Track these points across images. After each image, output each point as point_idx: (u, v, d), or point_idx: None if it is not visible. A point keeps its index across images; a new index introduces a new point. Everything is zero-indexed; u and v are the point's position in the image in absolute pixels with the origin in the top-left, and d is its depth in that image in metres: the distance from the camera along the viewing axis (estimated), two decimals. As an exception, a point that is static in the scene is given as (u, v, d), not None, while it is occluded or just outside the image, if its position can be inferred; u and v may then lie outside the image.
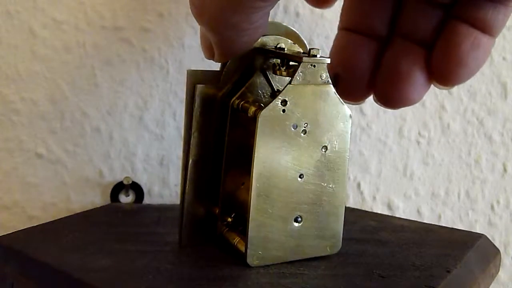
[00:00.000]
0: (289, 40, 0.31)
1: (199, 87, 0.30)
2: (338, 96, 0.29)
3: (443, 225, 0.44)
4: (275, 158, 0.28)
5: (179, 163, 0.42)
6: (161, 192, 0.43)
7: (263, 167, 0.28)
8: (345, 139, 0.30)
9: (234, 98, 0.30)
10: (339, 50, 0.30)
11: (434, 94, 0.46)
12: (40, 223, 0.35)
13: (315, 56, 0.28)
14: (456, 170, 0.47)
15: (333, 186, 0.30)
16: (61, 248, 0.31)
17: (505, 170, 0.47)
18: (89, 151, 0.42)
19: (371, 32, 0.28)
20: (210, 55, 0.28)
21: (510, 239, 0.48)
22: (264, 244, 0.29)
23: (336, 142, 0.30)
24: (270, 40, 0.31)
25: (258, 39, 0.27)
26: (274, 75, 0.31)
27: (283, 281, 0.28)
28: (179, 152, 0.42)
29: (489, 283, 0.33)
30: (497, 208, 0.48)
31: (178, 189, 0.42)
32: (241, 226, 0.30)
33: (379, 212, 0.45)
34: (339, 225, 0.31)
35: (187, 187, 0.31)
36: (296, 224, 0.29)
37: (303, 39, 0.32)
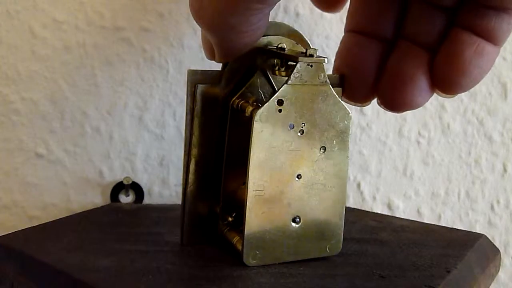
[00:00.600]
0: (293, 41, 0.31)
1: (200, 87, 0.30)
2: (338, 96, 0.29)
3: (443, 225, 0.44)
4: (271, 158, 0.28)
5: (179, 163, 0.42)
6: (161, 192, 0.43)
7: (259, 166, 0.28)
8: (345, 140, 0.30)
9: (234, 98, 0.30)
10: (345, 52, 0.30)
11: (434, 94, 0.46)
12: (40, 223, 0.35)
13: (312, 56, 0.28)
14: (456, 170, 0.47)
15: (333, 187, 0.30)
16: (61, 248, 0.31)
17: (505, 170, 0.47)
18: (89, 151, 0.42)
19: (377, 34, 0.28)
20: (211, 56, 0.28)
21: (510, 239, 0.48)
22: (261, 244, 0.29)
23: (336, 142, 0.30)
24: (274, 41, 0.31)
25: (258, 39, 0.27)
26: (275, 75, 0.31)
27: (283, 281, 0.28)
28: (179, 152, 0.42)
29: (489, 283, 0.33)
30: (497, 208, 0.48)
31: (178, 189, 0.42)
32: (242, 225, 0.30)
33: (379, 212, 0.45)
34: (339, 227, 0.31)
35: (188, 186, 0.31)
36: (294, 225, 0.29)
37: (307, 39, 0.32)
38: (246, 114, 0.29)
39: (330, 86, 0.29)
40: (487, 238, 0.36)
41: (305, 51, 0.29)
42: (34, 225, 0.34)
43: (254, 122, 0.28)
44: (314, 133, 0.29)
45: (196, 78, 0.30)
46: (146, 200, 0.43)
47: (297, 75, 0.28)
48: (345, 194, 0.30)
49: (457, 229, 0.38)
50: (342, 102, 0.29)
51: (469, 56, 0.26)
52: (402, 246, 0.33)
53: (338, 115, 0.29)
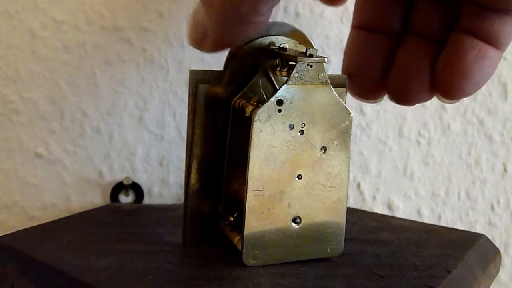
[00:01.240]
0: (296, 41, 0.31)
1: (202, 86, 0.30)
2: (339, 97, 0.29)
3: (443, 225, 0.44)
4: (271, 158, 0.28)
5: (179, 163, 0.42)
6: (161, 192, 0.43)
7: (258, 166, 0.28)
8: (346, 140, 0.30)
9: (236, 98, 0.30)
10: (354, 50, 0.29)
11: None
12: (40, 223, 0.35)
13: (312, 56, 0.28)
14: (456, 170, 0.47)
15: (334, 188, 0.30)
16: (61, 248, 0.31)
17: (505, 170, 0.47)
18: (89, 151, 0.42)
19: (384, 29, 0.28)
20: (198, 45, 0.27)
21: (510, 239, 0.48)
22: (260, 244, 0.29)
23: (337, 142, 0.29)
24: (277, 41, 0.31)
25: (255, 34, 0.26)
26: (276, 75, 0.31)
27: (283, 281, 0.28)
28: (179, 152, 0.42)
29: (489, 283, 0.33)
30: (497, 208, 0.48)
31: (178, 189, 0.42)
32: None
33: (379, 212, 0.45)
34: (340, 228, 0.30)
35: (190, 186, 0.31)
36: (294, 225, 0.29)
37: (310, 40, 0.31)
38: (246, 114, 0.29)
39: (331, 86, 0.29)
40: (487, 238, 0.36)
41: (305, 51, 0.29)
42: (34, 225, 0.34)
43: (254, 122, 0.28)
44: (314, 134, 0.29)
45: (197, 78, 0.30)
46: (146, 200, 0.43)
47: (297, 75, 0.28)
48: (346, 196, 0.30)
49: (457, 229, 0.38)
50: (343, 102, 0.29)
51: (471, 59, 0.25)
52: (402, 246, 0.33)
53: (339, 115, 0.29)
